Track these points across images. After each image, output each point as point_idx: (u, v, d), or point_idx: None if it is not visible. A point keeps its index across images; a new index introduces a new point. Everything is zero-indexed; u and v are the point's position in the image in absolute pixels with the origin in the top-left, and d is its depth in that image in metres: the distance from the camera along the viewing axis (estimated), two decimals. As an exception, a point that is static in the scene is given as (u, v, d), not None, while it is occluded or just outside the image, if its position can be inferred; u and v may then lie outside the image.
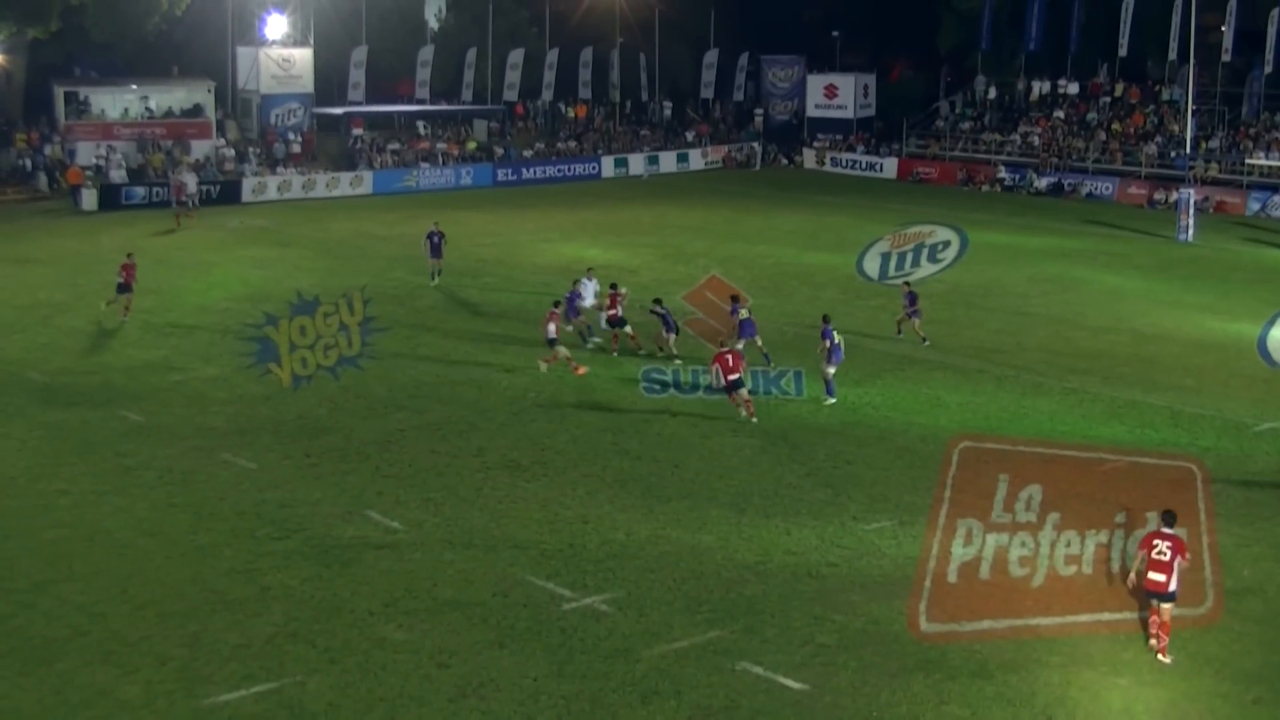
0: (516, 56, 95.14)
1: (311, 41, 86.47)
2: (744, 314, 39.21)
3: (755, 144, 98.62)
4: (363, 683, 20.81)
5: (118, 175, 76.27)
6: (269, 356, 34.30)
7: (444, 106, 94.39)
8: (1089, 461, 29.85)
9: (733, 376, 34.41)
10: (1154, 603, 22.32)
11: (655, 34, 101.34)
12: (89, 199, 73.10)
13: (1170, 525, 22.40)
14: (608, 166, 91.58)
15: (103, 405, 35.74)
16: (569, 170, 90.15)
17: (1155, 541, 22.31)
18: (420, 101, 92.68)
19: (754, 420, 34.46)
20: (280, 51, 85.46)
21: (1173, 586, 22.11)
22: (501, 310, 47.23)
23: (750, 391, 35.26)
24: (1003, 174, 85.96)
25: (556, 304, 40.32)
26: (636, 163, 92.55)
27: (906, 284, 42.73)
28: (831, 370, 36.13)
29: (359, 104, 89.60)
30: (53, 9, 75.69)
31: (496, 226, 67.49)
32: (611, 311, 40.75)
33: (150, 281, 47.38)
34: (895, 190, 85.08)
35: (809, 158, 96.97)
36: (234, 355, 38.80)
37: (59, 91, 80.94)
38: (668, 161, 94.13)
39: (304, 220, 69.66)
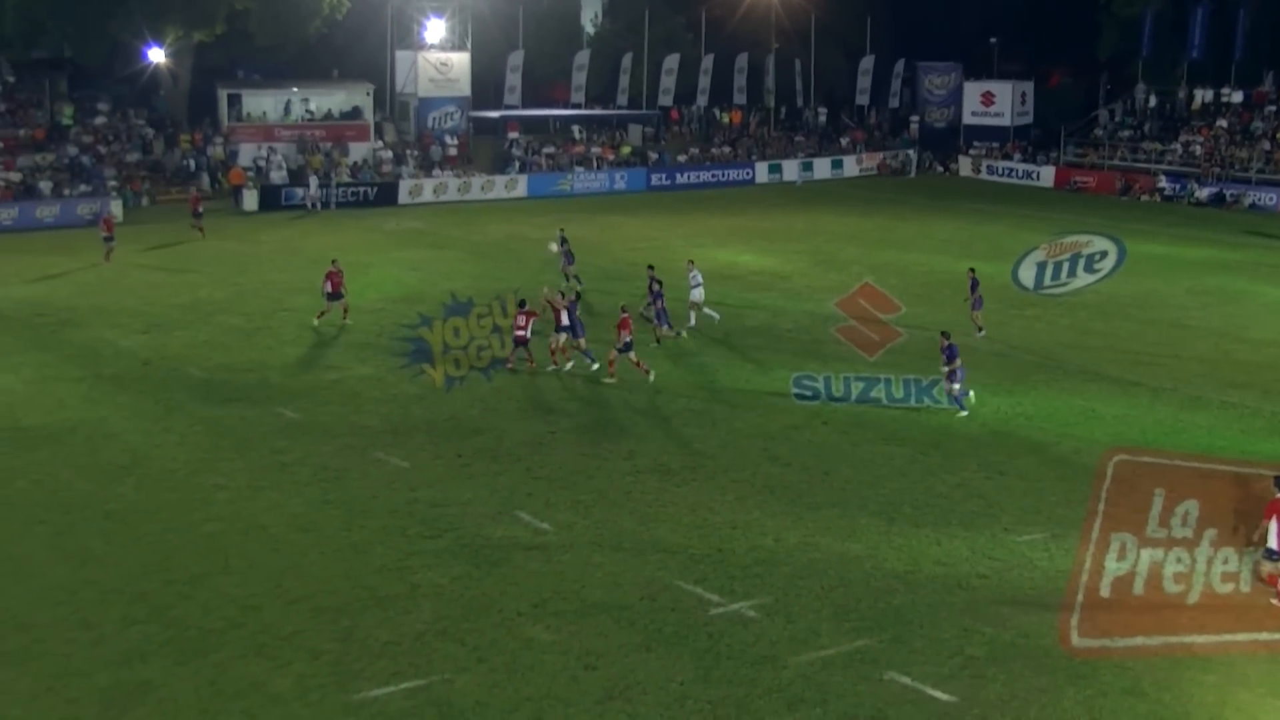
0: (672, 62, 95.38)
1: (469, 46, 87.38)
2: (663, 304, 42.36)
3: (910, 151, 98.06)
4: (510, 682, 20.92)
5: (278, 176, 77.65)
6: (423, 357, 34.73)
7: (599, 111, 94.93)
8: (1248, 478, 29.17)
9: (629, 339, 38.00)
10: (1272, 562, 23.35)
11: (811, 40, 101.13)
12: (250, 199, 74.57)
13: None
14: (761, 172, 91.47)
15: (260, 402, 36.33)
16: (722, 176, 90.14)
17: None
18: (576, 106, 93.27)
19: (651, 378, 38.12)
20: (438, 55, 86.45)
21: None
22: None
23: (901, 402, 35.33)
24: (1163, 184, 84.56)
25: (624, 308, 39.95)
26: (790, 169, 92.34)
27: (971, 270, 42.48)
28: (957, 387, 35.90)
29: (515, 108, 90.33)
30: (218, 13, 77.31)
31: (649, 231, 67.67)
32: (520, 332, 38.23)
33: (307, 281, 48.09)
34: (1052, 199, 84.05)
35: (964, 165, 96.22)
36: (388, 355, 39.26)
37: (222, 94, 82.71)
38: (822, 168, 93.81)
39: (459, 223, 70.33)
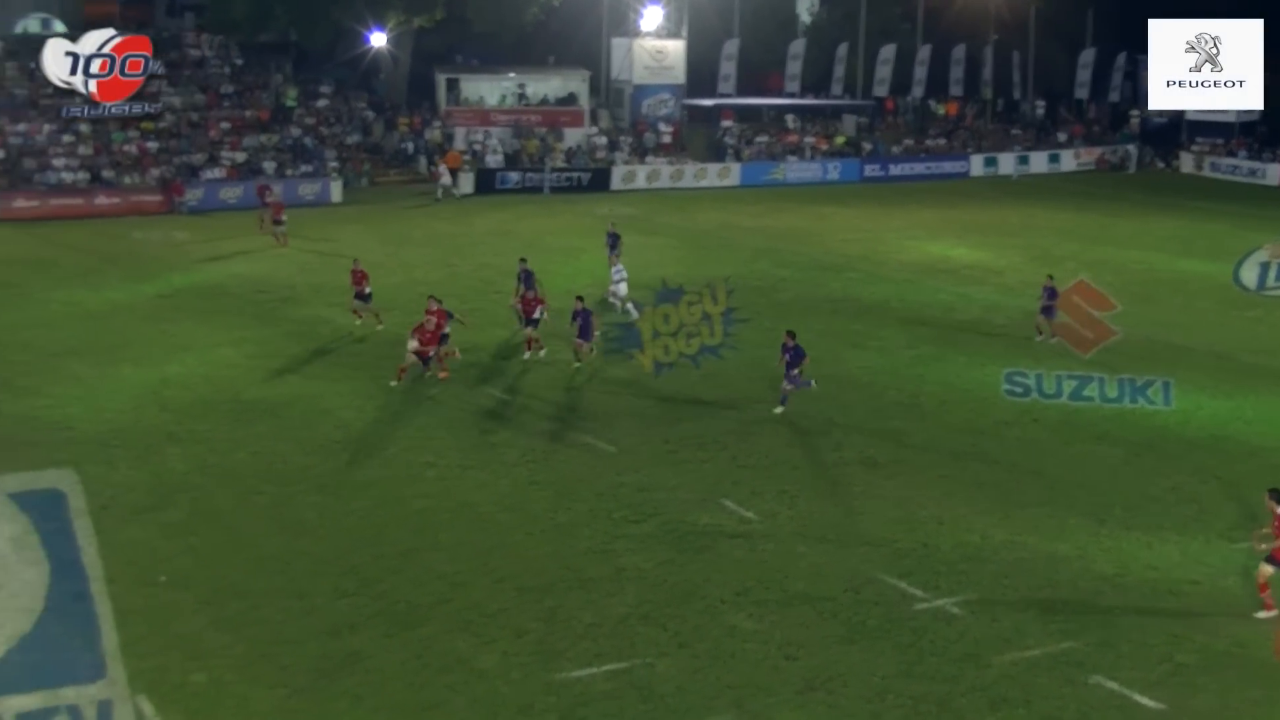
0: (888, 52, 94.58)
1: (684, 33, 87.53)
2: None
3: (1130, 146, 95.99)
4: (711, 669, 20.97)
5: (493, 160, 78.59)
6: (632, 342, 34.84)
7: (813, 101, 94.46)
8: None
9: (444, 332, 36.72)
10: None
11: (1030, 31, 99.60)
12: (465, 182, 75.51)
13: None
14: (976, 165, 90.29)
15: (471, 382, 36.83)
16: (936, 168, 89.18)
17: None
18: (790, 95, 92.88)
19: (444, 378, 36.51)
20: (654, 43, 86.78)
21: None
22: (865, 306, 47.04)
23: (1115, 402, 34.58)
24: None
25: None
26: (1006, 162, 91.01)
27: (1050, 277, 41.41)
28: (789, 386, 34.46)
29: (729, 96, 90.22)
30: (438, -1, 78.59)
31: (861, 222, 67.34)
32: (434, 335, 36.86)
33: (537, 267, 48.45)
34: (1278, 197, 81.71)
35: (1186, 162, 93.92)
36: (598, 340, 39.49)
37: (441, 78, 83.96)
38: (1038, 162, 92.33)
39: (671, 210, 70.56)
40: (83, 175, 68.58)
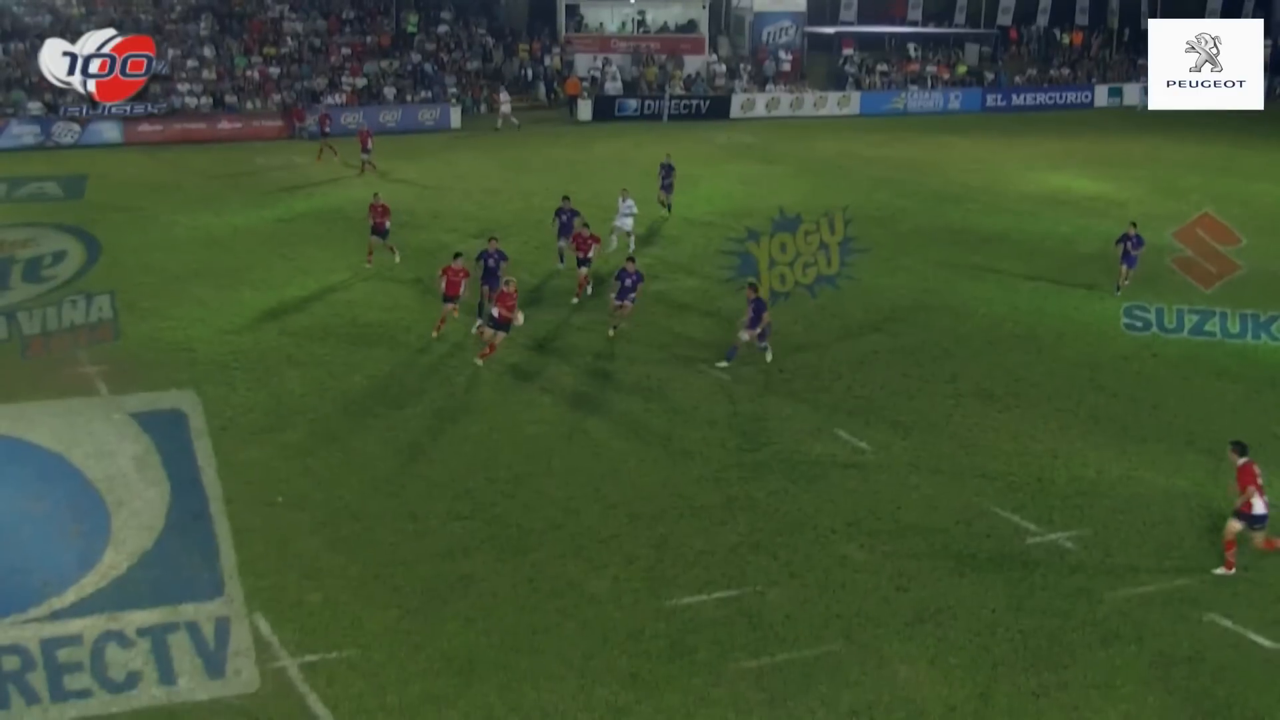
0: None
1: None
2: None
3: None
4: (821, 598, 21.00)
5: (612, 87, 78.62)
6: (749, 271, 34.74)
7: (935, 29, 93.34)
8: None
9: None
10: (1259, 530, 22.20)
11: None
12: (584, 109, 75.71)
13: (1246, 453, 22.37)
14: (1101, 95, 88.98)
15: (587, 309, 36.96)
16: (1060, 98, 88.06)
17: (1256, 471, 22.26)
18: (912, 23, 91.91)
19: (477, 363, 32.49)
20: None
21: None
22: (984, 237, 46.62)
23: (1237, 337, 34.04)
24: None
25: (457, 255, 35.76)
26: (1131, 93, 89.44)
27: (1133, 225, 40.31)
28: (745, 336, 32.72)
29: (850, 24, 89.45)
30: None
31: (982, 153, 66.63)
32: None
33: (643, 193, 48.41)
34: None
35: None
36: (715, 268, 39.41)
37: (561, 5, 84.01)
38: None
39: (790, 138, 70.19)
40: (206, 100, 69.41)
